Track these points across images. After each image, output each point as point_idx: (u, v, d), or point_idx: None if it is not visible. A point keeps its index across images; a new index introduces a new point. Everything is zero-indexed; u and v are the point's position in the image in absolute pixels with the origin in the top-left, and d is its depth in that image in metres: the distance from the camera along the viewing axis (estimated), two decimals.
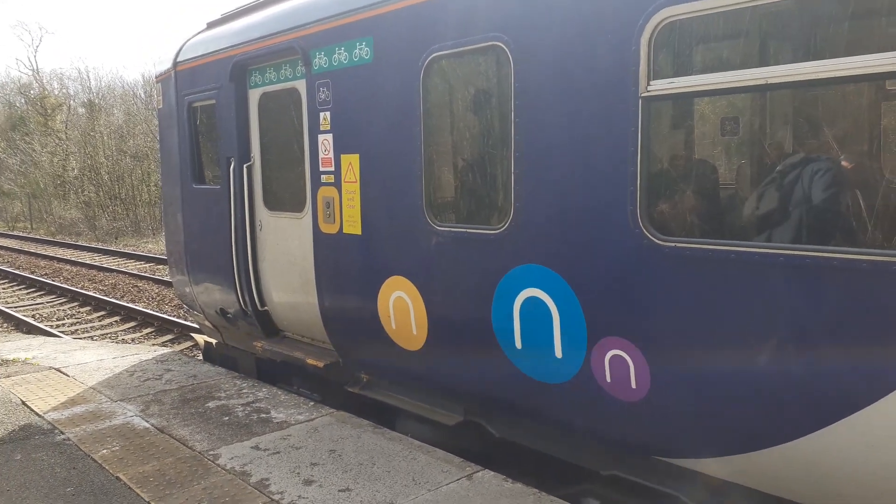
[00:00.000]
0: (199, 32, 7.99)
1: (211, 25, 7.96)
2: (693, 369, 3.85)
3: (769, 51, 3.60)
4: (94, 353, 8.71)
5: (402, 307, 5.52)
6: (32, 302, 15.97)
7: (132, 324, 13.32)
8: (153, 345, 11.56)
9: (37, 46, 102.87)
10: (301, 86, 6.30)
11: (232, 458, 5.27)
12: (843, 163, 3.48)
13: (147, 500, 4.65)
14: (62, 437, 5.79)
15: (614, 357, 4.19)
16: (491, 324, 4.87)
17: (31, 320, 13.50)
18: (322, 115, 6.02)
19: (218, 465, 5.15)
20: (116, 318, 13.88)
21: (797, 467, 3.59)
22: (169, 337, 12.21)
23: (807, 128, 3.87)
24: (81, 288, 16.86)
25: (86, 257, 23.14)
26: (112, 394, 6.91)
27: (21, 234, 34.32)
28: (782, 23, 3.58)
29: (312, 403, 6.43)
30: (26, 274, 19.15)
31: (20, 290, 17.65)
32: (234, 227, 7.16)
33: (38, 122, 46.49)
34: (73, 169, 40.02)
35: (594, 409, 4.41)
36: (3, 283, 18.68)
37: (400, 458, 5.18)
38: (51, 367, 8.01)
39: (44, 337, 11.26)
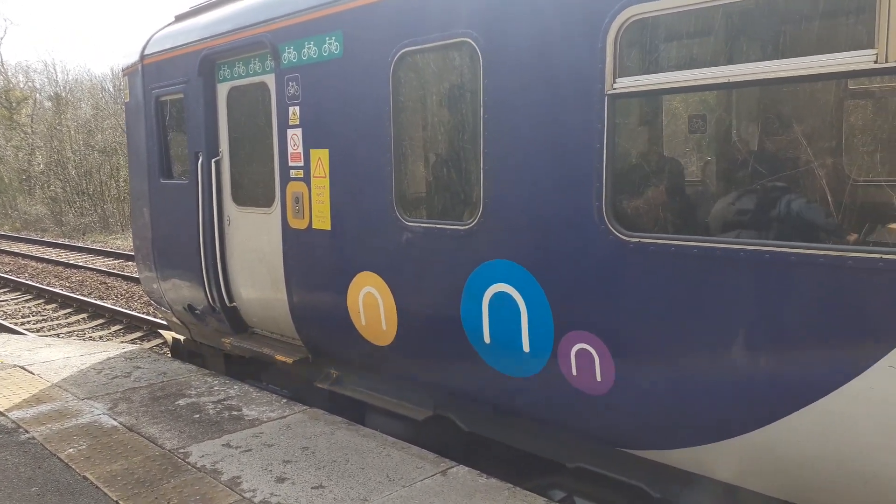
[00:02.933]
0: (167, 25, 7.89)
1: (179, 18, 7.88)
2: (656, 363, 3.91)
3: (731, 49, 3.67)
4: (61, 351, 8.56)
5: (371, 303, 5.52)
6: None
7: (100, 321, 13.12)
8: (122, 342, 11.41)
9: (1, 38, 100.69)
10: (270, 80, 6.27)
11: (203, 457, 5.22)
12: (809, 161, 3.56)
13: (115, 499, 4.58)
14: (27, 436, 5.69)
15: (580, 351, 4.24)
16: (460, 319, 4.90)
17: None
18: (291, 109, 5.99)
19: (188, 464, 5.10)
20: (84, 315, 13.66)
21: (756, 457, 3.66)
22: (138, 334, 12.05)
23: (772, 125, 3.94)
24: (47, 285, 16.58)
25: (52, 253, 22.70)
26: (79, 392, 6.81)
27: None
28: (744, 22, 3.65)
29: (285, 401, 6.37)
30: None
31: None
32: (201, 223, 7.10)
33: (3, 116, 45.44)
34: (39, 164, 39.26)
35: (561, 402, 4.46)
36: None
37: (374, 454, 5.17)
38: (15, 365, 7.83)
39: (8, 334, 10.98)
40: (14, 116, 45.19)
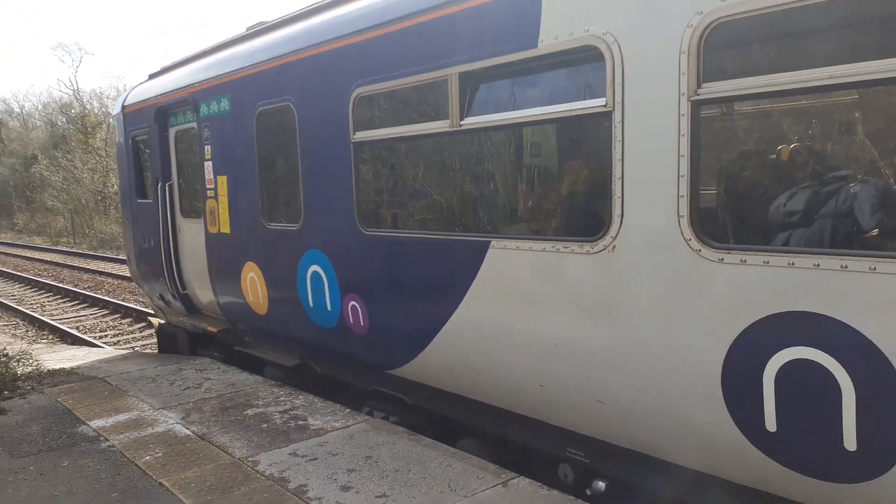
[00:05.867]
0: (142, 82, 10.45)
1: (151, 77, 10.42)
2: (385, 309, 6.08)
3: (415, 114, 5.79)
4: (136, 363, 9.10)
5: (254, 284, 7.83)
6: (76, 314, 16.73)
7: None
8: (192, 354, 11.00)
9: (77, 67, 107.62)
10: (196, 126, 8.67)
11: (271, 465, 5.41)
12: (451, 178, 5.69)
13: None
14: (107, 444, 5.98)
15: (353, 306, 6.42)
16: (297, 291, 7.14)
17: (75, 332, 14.16)
18: (206, 147, 8.38)
19: (257, 472, 5.28)
20: None
21: (436, 364, 5.78)
22: None
23: (439, 161, 6.08)
24: (123, 300, 17.50)
25: (126, 271, 22.62)
26: (154, 402, 7.18)
27: (64, 248, 35.10)
28: (411, 98, 5.77)
29: (348, 411, 6.69)
30: (70, 287, 19.88)
31: (64, 302, 18.57)
32: (161, 231, 9.58)
33: (79, 140, 48.43)
34: (113, 185, 41.77)
35: (349, 342, 6.65)
36: (49, 296, 19.59)
37: (435, 464, 5.30)
38: (95, 377, 8.30)
39: (87, 348, 11.90)
40: (89, 140, 48.77)
